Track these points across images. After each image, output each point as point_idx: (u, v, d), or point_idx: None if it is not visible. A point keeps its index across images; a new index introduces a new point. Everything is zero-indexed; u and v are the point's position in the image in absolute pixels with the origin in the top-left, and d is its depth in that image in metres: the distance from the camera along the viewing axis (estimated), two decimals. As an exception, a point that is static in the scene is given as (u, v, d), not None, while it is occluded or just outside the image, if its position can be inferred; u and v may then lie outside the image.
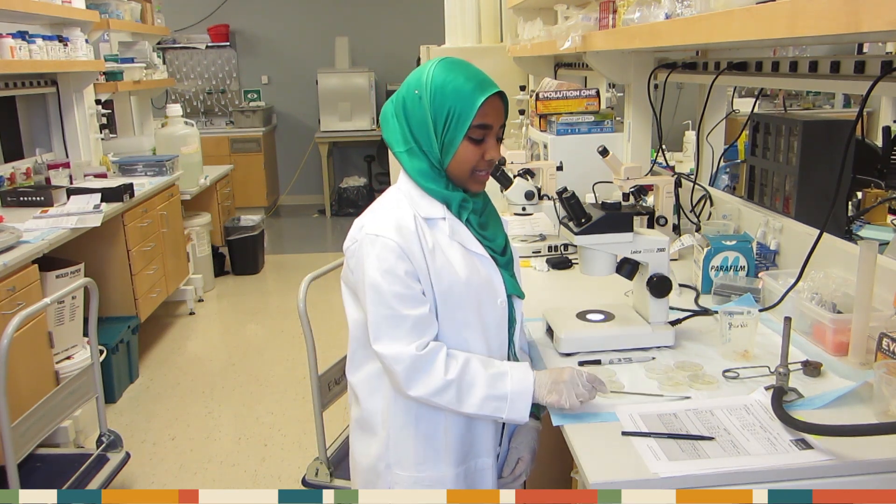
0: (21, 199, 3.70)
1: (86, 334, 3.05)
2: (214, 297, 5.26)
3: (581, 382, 1.34)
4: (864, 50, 2.28)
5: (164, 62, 6.43)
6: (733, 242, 1.98)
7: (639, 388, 1.46)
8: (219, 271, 5.59)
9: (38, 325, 2.87)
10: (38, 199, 3.68)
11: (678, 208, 2.39)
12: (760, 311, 1.73)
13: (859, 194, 2.25)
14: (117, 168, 4.52)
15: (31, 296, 2.80)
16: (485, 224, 1.46)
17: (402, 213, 1.38)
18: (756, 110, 2.60)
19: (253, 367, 4.07)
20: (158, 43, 6.71)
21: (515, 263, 1.54)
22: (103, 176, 4.35)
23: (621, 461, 1.21)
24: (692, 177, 2.62)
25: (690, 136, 4.02)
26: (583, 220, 1.60)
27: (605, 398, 1.40)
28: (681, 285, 2.03)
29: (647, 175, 2.36)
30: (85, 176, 4.30)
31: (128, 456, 2.73)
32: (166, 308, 4.76)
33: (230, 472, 3.02)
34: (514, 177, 2.37)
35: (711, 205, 2.44)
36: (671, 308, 1.69)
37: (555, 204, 2.29)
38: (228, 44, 7.98)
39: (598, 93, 3.00)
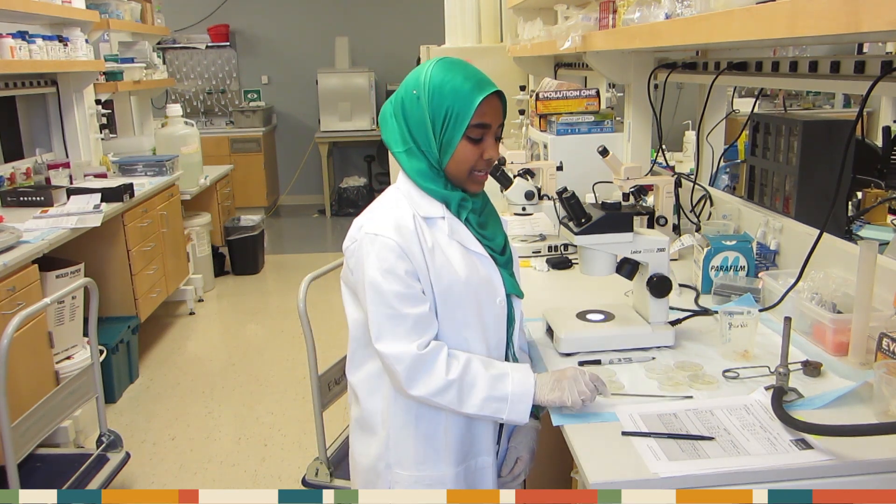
0: (21, 199, 3.70)
1: (86, 334, 3.05)
2: (214, 297, 5.26)
3: (584, 381, 1.35)
4: (864, 50, 2.28)
5: (164, 62, 6.43)
6: (733, 242, 1.98)
7: (639, 388, 1.46)
8: (219, 271, 5.59)
9: (38, 325, 2.87)
10: (38, 199, 3.68)
11: (678, 208, 2.39)
12: (760, 311, 1.73)
13: (859, 194, 2.25)
14: (117, 168, 4.52)
15: (31, 296, 2.80)
16: (484, 223, 1.46)
17: (401, 213, 1.38)
18: (756, 110, 2.60)
19: (253, 367, 4.07)
20: (158, 43, 6.71)
21: (515, 263, 1.54)
22: (103, 176, 4.35)
23: (621, 461, 1.21)
24: (692, 177, 2.62)
25: (690, 136, 4.02)
26: (583, 220, 1.60)
27: (604, 398, 1.40)
28: (681, 285, 2.03)
29: (647, 175, 2.36)
30: (85, 176, 4.30)
31: (128, 456, 2.73)
32: (166, 308, 4.76)
33: (230, 472, 3.02)
34: (514, 177, 2.37)
35: (711, 205, 2.44)
36: (671, 308, 1.69)
37: (555, 204, 2.29)
38: (228, 44, 7.98)
39: (598, 93, 3.00)
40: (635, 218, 1.74)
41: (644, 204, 2.28)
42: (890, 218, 2.20)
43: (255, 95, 8.09)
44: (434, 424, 1.42)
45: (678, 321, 1.73)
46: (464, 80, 1.34)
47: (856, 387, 1.38)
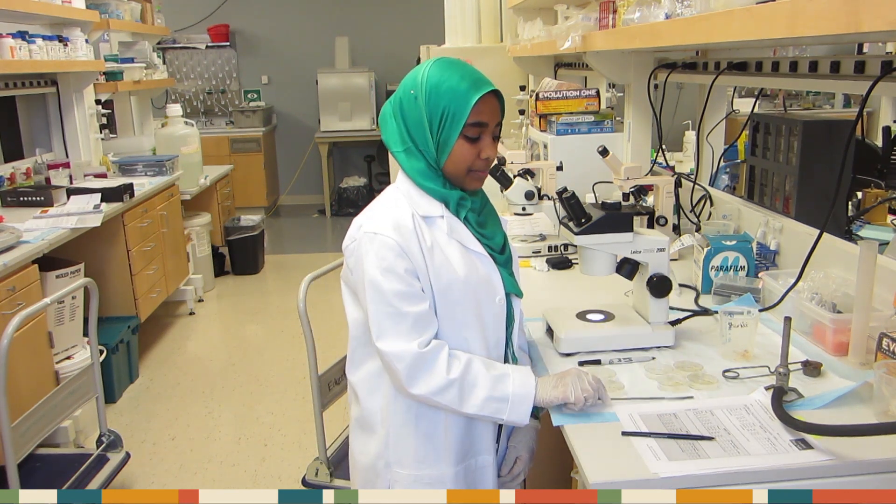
0: (21, 199, 3.70)
1: (86, 334, 3.05)
2: (214, 297, 5.26)
3: (587, 380, 1.36)
4: (864, 50, 2.28)
5: (164, 62, 6.43)
6: (733, 242, 1.98)
7: (639, 388, 1.46)
8: (219, 271, 5.59)
9: (38, 325, 2.87)
10: (38, 199, 3.68)
11: (678, 208, 2.39)
12: (760, 311, 1.73)
13: (859, 194, 2.25)
14: (117, 168, 4.52)
15: (31, 296, 2.80)
16: (483, 223, 1.46)
17: (400, 212, 1.38)
18: (756, 110, 2.60)
19: (253, 367, 4.07)
20: (158, 43, 6.71)
21: (514, 263, 1.54)
22: (103, 176, 4.35)
23: (621, 461, 1.21)
24: (692, 177, 2.62)
25: (690, 136, 4.02)
26: (583, 220, 1.60)
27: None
28: (681, 285, 2.03)
29: (647, 175, 2.36)
30: (85, 176, 4.30)
31: (128, 456, 2.73)
32: (166, 308, 4.76)
33: (230, 472, 3.02)
34: (514, 177, 2.37)
35: (711, 205, 2.44)
36: (671, 308, 1.69)
37: (555, 204, 2.29)
38: (228, 44, 7.98)
39: (598, 93, 3.00)
40: (635, 218, 1.74)
41: (644, 204, 2.28)
42: (890, 218, 2.20)
43: (255, 95, 8.09)
44: (434, 423, 1.42)
45: (678, 321, 1.73)
46: (460, 79, 1.34)
47: (856, 387, 1.38)
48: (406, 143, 1.39)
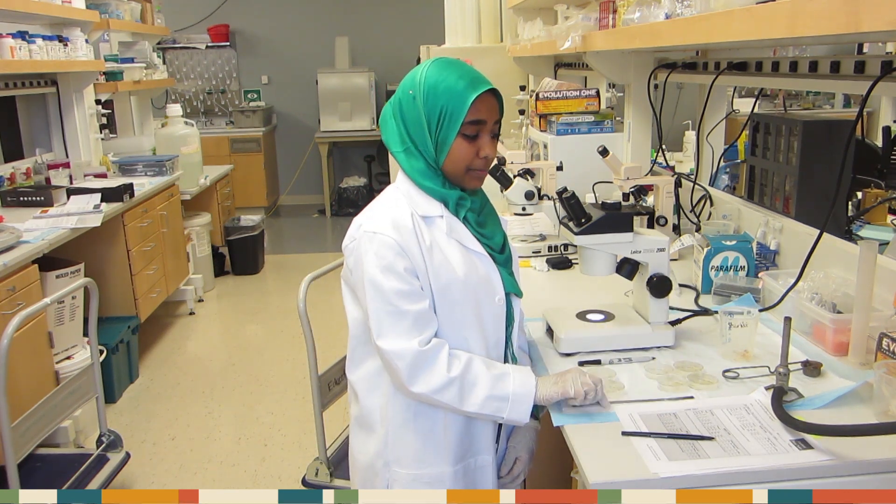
0: (21, 199, 3.70)
1: (86, 334, 3.05)
2: (214, 297, 5.26)
3: (588, 375, 1.36)
4: (864, 50, 2.28)
5: (164, 62, 6.43)
6: (733, 242, 1.98)
7: (639, 388, 1.46)
8: (219, 271, 5.59)
9: (38, 325, 2.87)
10: (38, 199, 3.68)
11: (678, 208, 2.39)
12: (760, 311, 1.73)
13: (859, 194, 2.25)
14: (117, 168, 4.52)
15: (31, 296, 2.80)
16: (483, 222, 1.47)
17: (399, 212, 1.38)
18: (756, 110, 2.60)
19: (253, 367, 4.07)
20: (158, 43, 6.71)
21: (515, 262, 1.54)
22: (103, 176, 4.35)
23: (621, 461, 1.21)
24: (692, 177, 2.62)
25: (690, 136, 4.02)
26: (583, 220, 1.60)
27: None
28: (681, 285, 2.03)
29: (647, 175, 2.36)
30: (85, 176, 4.30)
31: (128, 456, 2.73)
32: (166, 308, 4.76)
33: (230, 472, 3.02)
34: (514, 177, 2.37)
35: (711, 205, 2.44)
36: (671, 308, 1.69)
37: (555, 204, 2.29)
38: (228, 44, 7.98)
39: (598, 93, 3.00)
40: (635, 218, 1.74)
41: (644, 204, 2.28)
42: (890, 218, 2.21)
43: (255, 95, 8.09)
44: (432, 422, 1.42)
45: (678, 321, 1.73)
46: (458, 78, 1.34)
47: (856, 387, 1.38)
48: (405, 143, 1.40)
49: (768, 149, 2.18)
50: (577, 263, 2.29)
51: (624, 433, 1.28)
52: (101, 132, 4.76)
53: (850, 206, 2.14)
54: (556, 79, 3.74)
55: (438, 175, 1.40)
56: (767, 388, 1.37)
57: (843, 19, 0.95)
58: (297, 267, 5.94)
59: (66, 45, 4.05)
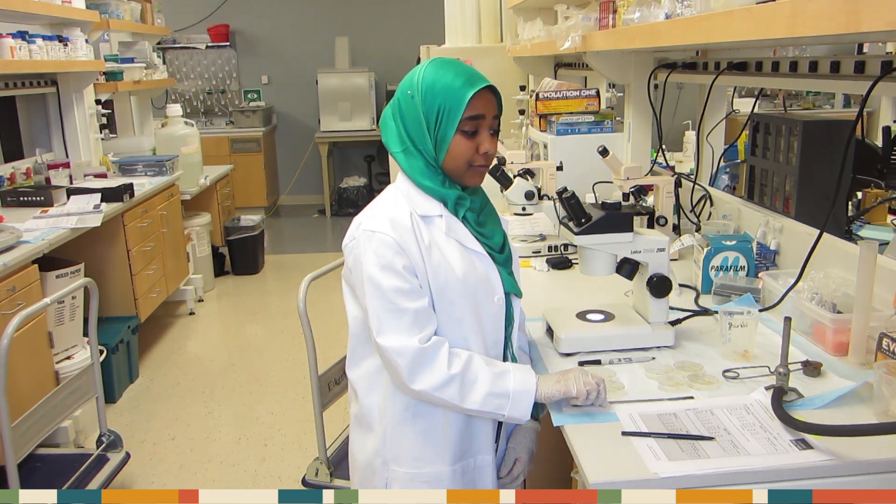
0: (21, 199, 3.70)
1: (86, 334, 3.05)
2: (214, 297, 5.26)
3: (590, 374, 1.36)
4: (864, 50, 2.28)
5: (164, 62, 6.43)
6: (733, 242, 1.98)
7: (639, 388, 1.46)
8: (219, 271, 5.59)
9: (38, 325, 2.87)
10: (38, 199, 3.68)
11: (678, 208, 2.39)
12: (760, 311, 1.73)
13: (859, 194, 2.25)
14: (117, 168, 4.52)
15: (31, 296, 2.80)
16: (483, 222, 1.47)
17: (398, 211, 1.39)
18: (756, 110, 2.60)
19: (253, 367, 4.07)
20: (158, 43, 6.71)
21: (515, 262, 1.54)
22: (103, 176, 4.35)
23: (621, 461, 1.21)
24: (692, 177, 2.62)
25: (690, 136, 4.02)
26: (583, 220, 1.60)
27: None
28: (681, 285, 2.03)
29: (647, 175, 2.36)
30: (85, 176, 4.30)
31: (128, 456, 2.73)
32: (166, 308, 4.76)
33: (230, 472, 3.02)
34: (514, 177, 2.37)
35: (711, 205, 2.44)
36: (671, 308, 1.69)
37: (555, 204, 2.29)
38: (228, 44, 7.98)
39: (598, 93, 3.00)
40: (635, 218, 1.74)
41: (644, 204, 2.28)
42: (890, 218, 2.21)
43: (255, 95, 8.09)
44: (431, 422, 1.42)
45: (678, 321, 1.73)
46: (455, 76, 1.35)
47: (856, 387, 1.38)
48: (405, 143, 1.40)
49: (768, 149, 2.18)
50: (577, 263, 2.29)
51: (624, 433, 1.28)
52: (101, 132, 4.76)
53: (850, 206, 2.14)
54: (556, 79, 3.74)
55: (438, 174, 1.41)
56: (767, 388, 1.37)
57: (843, 19, 0.95)
58: (297, 267, 5.94)
59: (66, 45, 4.05)
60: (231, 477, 2.99)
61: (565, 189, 1.63)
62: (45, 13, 3.85)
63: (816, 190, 1.98)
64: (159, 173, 4.50)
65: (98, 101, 4.70)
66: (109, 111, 5.17)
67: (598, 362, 1.59)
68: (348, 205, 7.75)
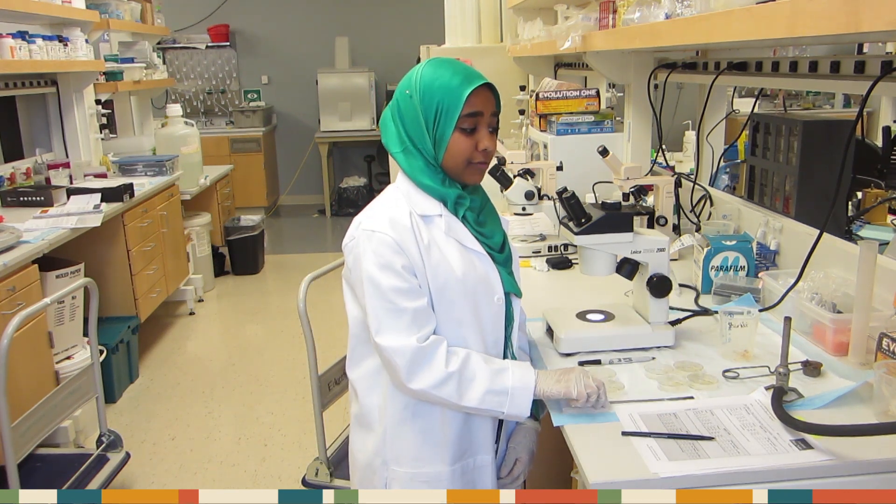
0: (21, 199, 3.70)
1: (86, 334, 3.05)
2: (214, 297, 5.26)
3: (592, 376, 1.36)
4: (864, 50, 2.28)
5: (164, 62, 6.43)
6: (733, 242, 1.98)
7: (639, 388, 1.46)
8: (219, 271, 5.59)
9: (38, 325, 2.87)
10: (38, 199, 3.68)
11: (678, 208, 2.39)
12: (760, 311, 1.73)
13: (859, 194, 2.25)
14: (117, 168, 4.52)
15: (31, 296, 2.80)
16: (482, 221, 1.47)
17: (398, 211, 1.39)
18: (756, 110, 2.60)
19: (253, 367, 4.07)
20: (158, 43, 6.71)
21: (515, 262, 1.54)
22: (103, 176, 4.35)
23: (621, 461, 1.21)
24: (692, 177, 2.62)
25: (690, 136, 4.02)
26: (583, 220, 1.60)
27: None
28: (681, 285, 2.03)
29: (647, 175, 2.36)
30: (85, 176, 4.30)
31: (128, 456, 2.73)
32: (166, 308, 4.76)
33: (230, 472, 3.02)
34: (514, 177, 2.37)
35: (711, 205, 2.44)
36: (671, 308, 1.69)
37: (555, 204, 2.29)
38: (228, 44, 7.98)
39: (598, 93, 3.00)
40: (635, 218, 1.75)
41: (644, 204, 2.28)
42: (890, 218, 2.20)
43: (255, 95, 8.08)
44: (431, 421, 1.42)
45: (678, 321, 1.73)
46: (452, 75, 1.36)
47: (856, 387, 1.38)
48: (404, 143, 1.40)
49: (768, 149, 2.18)
50: (577, 263, 2.29)
51: (624, 433, 1.28)
52: (101, 132, 4.76)
53: (850, 206, 2.14)
54: (556, 79, 3.74)
55: (438, 173, 1.41)
56: (767, 388, 1.37)
57: (843, 19, 0.95)
58: (297, 267, 5.94)
59: (66, 45, 4.05)
60: (231, 477, 2.98)
61: (565, 189, 1.63)
62: (45, 13, 3.85)
63: (816, 190, 1.98)
64: (159, 173, 4.50)
65: (98, 101, 4.70)
66: (109, 111, 5.17)
67: (598, 362, 1.59)
68: (348, 205, 7.74)
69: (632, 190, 2.24)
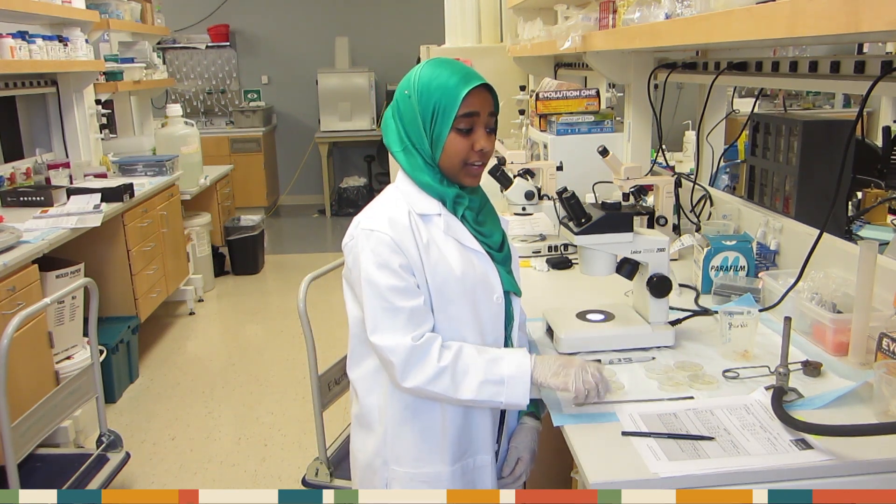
0: (21, 199, 3.70)
1: (86, 334, 3.05)
2: (214, 297, 5.26)
3: (591, 371, 1.35)
4: (864, 50, 2.28)
5: (164, 62, 6.43)
6: (733, 242, 1.98)
7: (639, 388, 1.46)
8: (219, 271, 5.59)
9: (38, 325, 2.87)
10: (38, 199, 3.68)
11: (678, 208, 2.39)
12: (760, 311, 1.73)
13: (859, 194, 2.25)
14: (117, 168, 4.52)
15: (31, 296, 2.80)
16: (482, 221, 1.47)
17: (397, 210, 1.40)
18: (756, 110, 2.60)
19: (253, 367, 4.07)
20: (158, 43, 6.71)
21: (514, 262, 1.54)
22: (103, 176, 4.35)
23: (621, 461, 1.21)
24: (692, 177, 2.62)
25: (690, 136, 4.02)
26: (583, 220, 1.60)
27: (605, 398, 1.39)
28: (681, 285, 2.03)
29: (647, 175, 2.36)
30: (85, 176, 4.30)
31: (128, 456, 2.73)
32: (166, 308, 4.76)
33: (230, 472, 3.02)
34: (514, 177, 2.37)
35: (711, 205, 2.44)
36: (671, 308, 1.69)
37: (555, 204, 2.29)
38: (228, 44, 7.98)
39: (598, 93, 3.00)
40: (635, 218, 1.74)
41: (644, 204, 2.28)
42: (890, 218, 2.20)
43: (255, 95, 8.08)
44: (431, 421, 1.42)
45: (678, 321, 1.73)
46: (450, 75, 1.36)
47: (856, 387, 1.38)
48: (404, 143, 1.41)
49: (768, 149, 2.18)
50: (577, 263, 2.29)
51: (624, 433, 1.28)
52: (101, 132, 4.76)
53: (850, 206, 2.14)
54: (556, 79, 3.74)
55: (436, 172, 1.41)
56: (767, 388, 1.37)
57: (843, 19, 0.95)
58: (297, 267, 5.94)
59: (66, 45, 4.05)
60: (231, 477, 2.99)
61: (565, 189, 1.63)
62: (45, 13, 3.85)
63: (816, 190, 1.98)
64: (159, 173, 4.50)
65: (98, 101, 4.70)
66: (109, 111, 5.17)
67: (598, 362, 1.58)
68: (348, 205, 7.74)
69: (632, 190, 2.24)
